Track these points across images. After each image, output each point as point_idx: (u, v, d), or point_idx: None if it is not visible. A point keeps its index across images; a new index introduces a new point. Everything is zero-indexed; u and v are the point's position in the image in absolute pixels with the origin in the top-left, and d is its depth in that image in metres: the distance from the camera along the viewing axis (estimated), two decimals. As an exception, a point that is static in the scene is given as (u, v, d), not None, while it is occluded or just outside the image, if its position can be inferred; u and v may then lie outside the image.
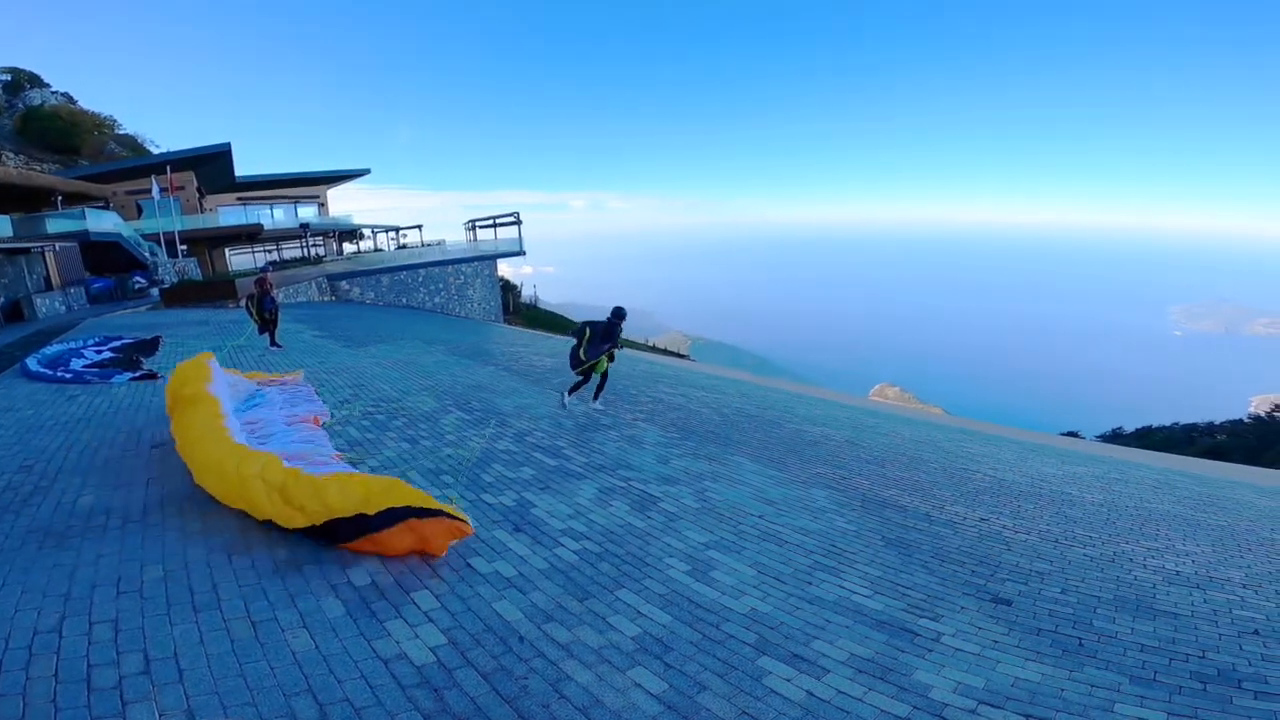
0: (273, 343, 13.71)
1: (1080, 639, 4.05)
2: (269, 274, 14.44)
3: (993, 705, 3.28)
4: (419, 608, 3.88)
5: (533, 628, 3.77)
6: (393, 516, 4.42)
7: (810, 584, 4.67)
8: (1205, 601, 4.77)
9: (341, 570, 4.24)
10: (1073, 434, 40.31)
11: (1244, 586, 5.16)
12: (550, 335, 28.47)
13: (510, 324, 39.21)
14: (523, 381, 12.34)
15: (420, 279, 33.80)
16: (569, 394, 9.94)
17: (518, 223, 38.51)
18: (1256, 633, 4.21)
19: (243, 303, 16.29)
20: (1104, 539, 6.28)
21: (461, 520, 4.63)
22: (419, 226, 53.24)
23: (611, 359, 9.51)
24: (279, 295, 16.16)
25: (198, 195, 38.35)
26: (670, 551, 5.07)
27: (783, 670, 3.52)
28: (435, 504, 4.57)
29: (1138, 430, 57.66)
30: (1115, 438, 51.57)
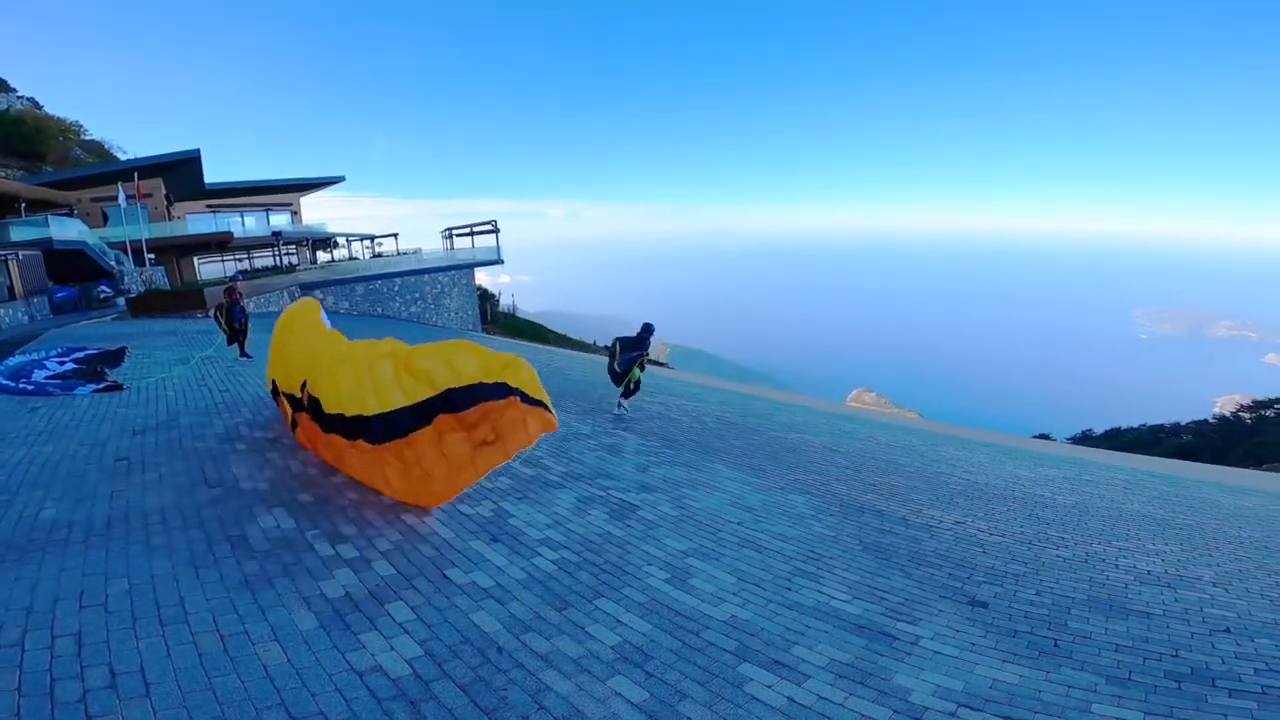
0: (242, 353, 13.43)
1: (1056, 640, 4.10)
2: (238, 283, 14.14)
3: (971, 708, 3.30)
4: (394, 619, 3.81)
5: (511, 638, 3.72)
6: (505, 390, 4.87)
7: (789, 590, 4.67)
8: (1176, 600, 4.86)
9: (314, 582, 4.15)
10: (1044, 436, 41.10)
11: (1214, 584, 5.27)
12: (529, 344, 28.32)
13: (488, 333, 38.95)
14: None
15: (396, 288, 33.45)
16: (624, 396, 10.77)
17: (495, 231, 38.30)
18: (1228, 630, 4.30)
19: (211, 313, 15.97)
20: (1076, 540, 6.38)
21: (553, 416, 4.99)
22: (394, 235, 52.74)
23: (642, 367, 10.47)
24: (249, 305, 15.86)
25: (166, 203, 37.58)
26: (649, 560, 5.04)
27: (763, 677, 3.51)
28: (541, 394, 4.92)
29: (1107, 432, 58.98)
30: (1085, 439, 52.67)
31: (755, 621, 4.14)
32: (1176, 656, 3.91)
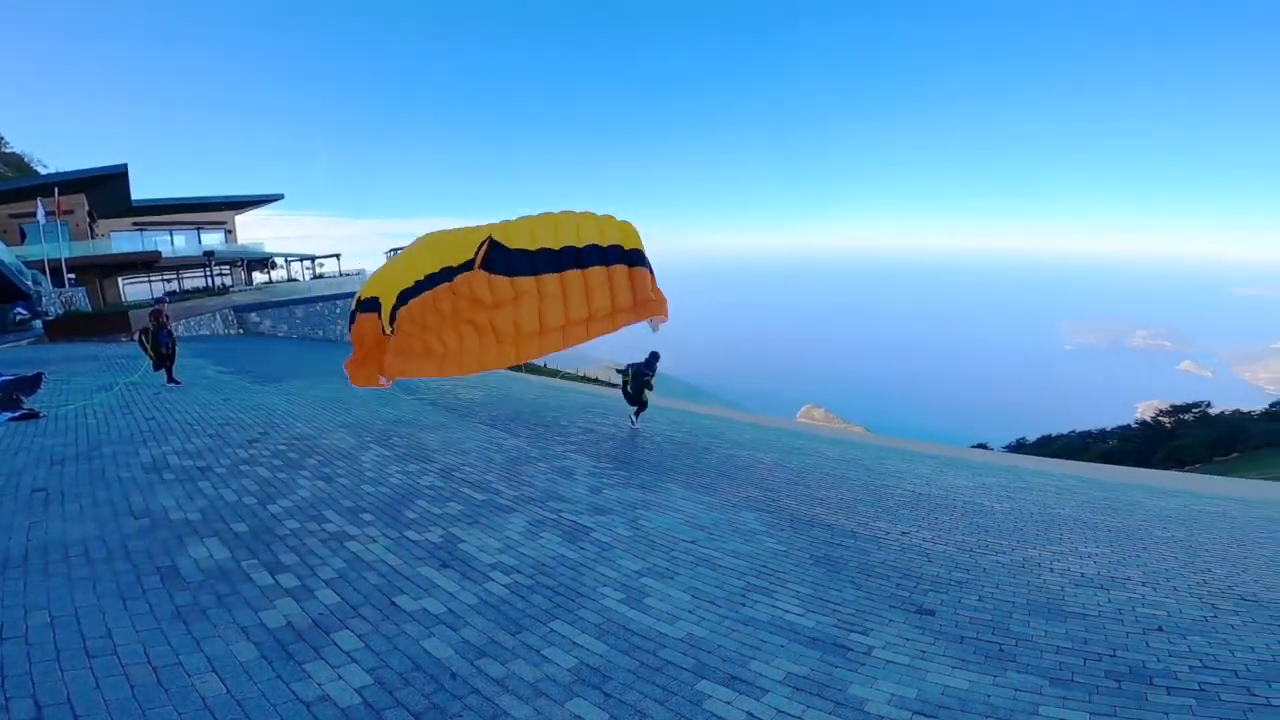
0: (170, 379, 12.80)
1: (1000, 644, 4.23)
2: (165, 305, 13.49)
3: (926, 715, 3.37)
4: (340, 648, 3.68)
5: (465, 664, 3.64)
6: (642, 258, 6.48)
7: (744, 605, 4.70)
8: (1110, 601, 5.08)
9: (252, 613, 3.97)
10: (982, 446, 42.66)
11: (1143, 584, 5.54)
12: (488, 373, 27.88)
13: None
14: (450, 416, 12.01)
15: (338, 310, 32.53)
16: (636, 415, 12.04)
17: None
18: (1160, 629, 4.51)
19: (136, 336, 15.14)
20: (1014, 545, 6.63)
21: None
22: (337, 255, 51.38)
23: (650, 388, 11.89)
24: (178, 328, 15.15)
25: (89, 219, 35.75)
26: (604, 581, 5.00)
27: (722, 693, 3.51)
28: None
29: (1039, 439, 61.78)
30: (1020, 448, 55.00)
31: (711, 638, 4.14)
32: (1114, 656, 4.08)
